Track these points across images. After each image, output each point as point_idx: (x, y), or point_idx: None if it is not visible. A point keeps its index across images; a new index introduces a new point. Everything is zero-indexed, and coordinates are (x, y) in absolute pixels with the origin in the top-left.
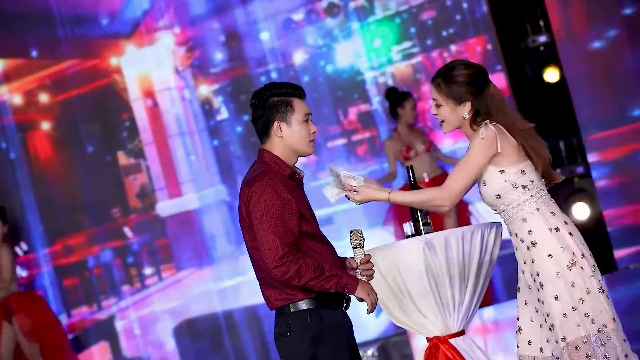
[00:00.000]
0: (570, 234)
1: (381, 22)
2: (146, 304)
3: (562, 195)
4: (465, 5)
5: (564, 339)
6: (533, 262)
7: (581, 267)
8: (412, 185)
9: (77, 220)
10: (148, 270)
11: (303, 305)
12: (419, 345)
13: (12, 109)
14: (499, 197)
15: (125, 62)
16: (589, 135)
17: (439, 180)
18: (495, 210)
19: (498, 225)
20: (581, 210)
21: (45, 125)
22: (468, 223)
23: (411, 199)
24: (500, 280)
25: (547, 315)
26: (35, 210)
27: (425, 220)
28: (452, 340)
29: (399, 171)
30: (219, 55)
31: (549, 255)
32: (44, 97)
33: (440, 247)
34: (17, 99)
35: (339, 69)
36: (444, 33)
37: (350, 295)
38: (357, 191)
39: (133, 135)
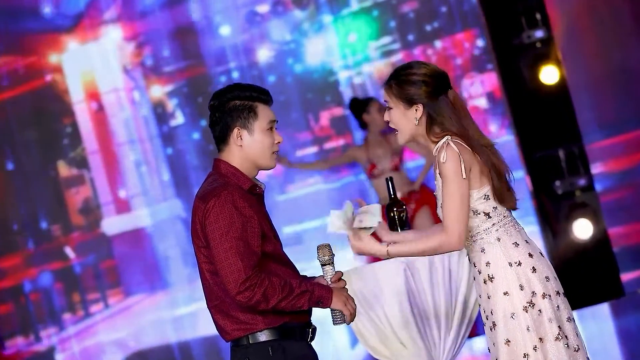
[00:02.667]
0: (533, 269)
1: (357, 14)
2: (91, 334)
3: (562, 210)
4: None
5: None
6: (488, 298)
7: (539, 310)
8: (392, 198)
9: (11, 239)
10: (93, 296)
11: (263, 336)
12: None
13: None
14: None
15: (66, 59)
16: (592, 143)
17: (416, 196)
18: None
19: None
20: (583, 228)
21: None
22: None
23: (416, 249)
24: None
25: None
26: None
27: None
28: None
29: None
30: (172, 53)
31: (505, 293)
32: None
33: (424, 268)
34: None
35: (309, 67)
36: (428, 27)
37: (316, 326)
38: (359, 237)
39: (75, 142)
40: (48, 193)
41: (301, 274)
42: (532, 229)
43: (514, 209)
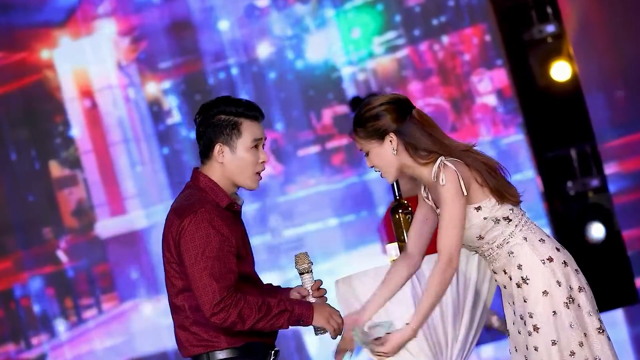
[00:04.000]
0: (564, 263)
1: (361, 8)
2: (84, 341)
3: (575, 212)
4: None
5: None
6: (525, 301)
7: (578, 305)
8: (397, 200)
9: (1, 242)
10: (86, 302)
11: (222, 355)
12: None
13: None
14: (481, 238)
15: (58, 55)
16: (606, 142)
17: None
18: (476, 251)
19: None
20: (596, 231)
21: None
22: None
23: (431, 301)
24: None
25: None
26: None
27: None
28: None
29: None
30: (169, 48)
31: (544, 292)
32: None
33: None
34: None
35: (311, 64)
36: (435, 22)
37: (279, 349)
38: (383, 342)
39: (68, 142)
40: (39, 194)
41: (275, 284)
42: None
43: (519, 202)
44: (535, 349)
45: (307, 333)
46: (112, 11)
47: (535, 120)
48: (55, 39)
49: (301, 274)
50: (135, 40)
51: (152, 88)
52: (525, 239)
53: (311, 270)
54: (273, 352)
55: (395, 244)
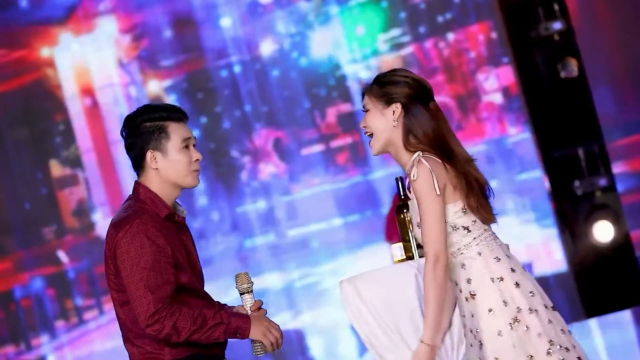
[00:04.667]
0: (516, 284)
1: (365, 5)
2: (85, 342)
3: (582, 212)
4: None
5: None
6: (472, 316)
7: (526, 327)
8: (402, 199)
9: (1, 242)
10: (87, 303)
11: None
12: None
13: None
14: None
15: (58, 53)
16: (614, 141)
17: None
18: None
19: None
20: (604, 231)
21: None
22: None
23: (432, 305)
24: None
25: None
26: None
27: (419, 242)
28: None
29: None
30: (171, 46)
31: (490, 310)
32: None
33: None
34: None
35: (315, 61)
36: (440, 19)
37: (227, 359)
38: None
39: (68, 140)
40: (39, 194)
41: (222, 302)
42: (550, 232)
43: (493, 222)
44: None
45: (310, 334)
46: (113, 8)
47: (542, 119)
48: (56, 37)
49: (241, 293)
50: (137, 37)
51: (154, 86)
52: (480, 253)
53: (251, 290)
54: None
55: (400, 244)
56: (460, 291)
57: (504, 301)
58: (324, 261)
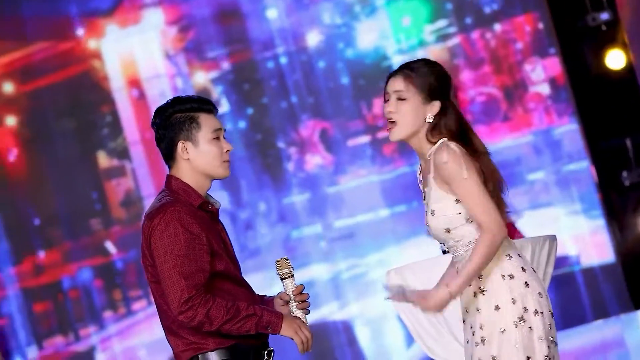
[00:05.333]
0: (526, 283)
1: None
2: (133, 333)
3: (630, 203)
4: None
5: None
6: (478, 311)
7: (529, 327)
8: None
9: (49, 233)
10: (135, 293)
11: (214, 356)
12: None
13: None
14: (448, 232)
15: (105, 45)
16: None
17: None
18: (443, 244)
19: (552, 239)
20: None
21: (11, 121)
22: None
23: (472, 268)
24: (555, 305)
25: None
26: None
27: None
28: None
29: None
30: (217, 37)
31: (496, 307)
32: (8, 87)
33: None
34: None
35: (361, 52)
36: (487, 10)
37: (273, 348)
38: (424, 296)
39: (116, 132)
40: (87, 185)
41: (268, 294)
42: (598, 223)
43: (506, 221)
44: None
45: (357, 325)
46: (160, 0)
47: (589, 109)
48: (103, 28)
49: (282, 279)
50: (183, 29)
51: (200, 77)
52: None
53: (292, 275)
54: (266, 352)
55: None
56: (469, 285)
57: (512, 299)
58: (370, 252)
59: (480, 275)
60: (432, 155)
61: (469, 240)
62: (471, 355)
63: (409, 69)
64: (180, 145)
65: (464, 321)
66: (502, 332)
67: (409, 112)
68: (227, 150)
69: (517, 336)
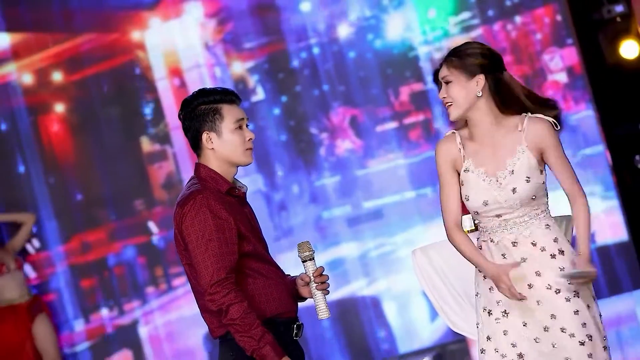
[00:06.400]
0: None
1: None
2: (174, 307)
3: None
4: None
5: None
6: (561, 269)
7: None
8: None
9: (95, 214)
10: (175, 270)
11: None
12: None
13: (22, 90)
14: (534, 199)
15: (149, 36)
16: None
17: None
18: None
19: (569, 219)
20: None
21: (59, 108)
22: None
23: (584, 227)
24: None
25: (583, 324)
26: (48, 203)
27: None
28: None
29: None
30: (253, 29)
31: (572, 262)
32: (57, 76)
33: None
34: (28, 78)
35: (389, 43)
36: (508, 2)
37: (302, 323)
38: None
39: (158, 118)
40: (131, 168)
41: (287, 273)
42: (612, 204)
43: None
44: (576, 313)
45: (385, 300)
46: None
47: (605, 97)
48: (146, 21)
49: (304, 261)
50: (222, 22)
51: (238, 67)
52: (553, 218)
53: (313, 258)
54: (296, 325)
55: (470, 215)
56: (543, 249)
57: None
58: (397, 231)
59: (557, 239)
60: (526, 125)
61: (543, 209)
62: (550, 314)
63: (450, 55)
64: (205, 135)
65: (529, 286)
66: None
67: (458, 92)
68: (250, 139)
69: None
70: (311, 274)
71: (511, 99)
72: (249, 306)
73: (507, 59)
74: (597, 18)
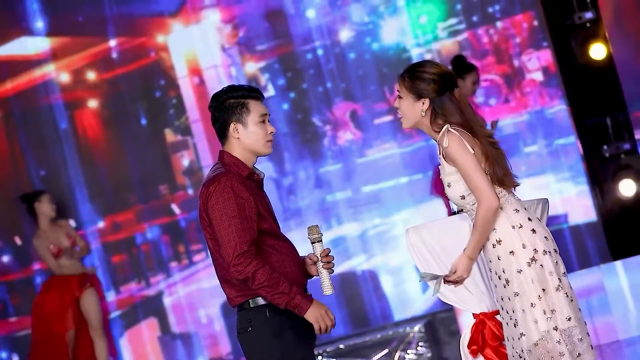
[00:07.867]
0: (533, 230)
1: None
2: (194, 280)
3: (609, 171)
4: None
5: (522, 334)
6: (499, 259)
7: (541, 265)
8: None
9: (125, 197)
10: (196, 247)
11: (262, 300)
12: (466, 322)
13: (60, 87)
14: (463, 198)
15: (171, 40)
16: (636, 111)
17: None
18: (462, 210)
19: (545, 201)
20: (627, 187)
21: (93, 103)
22: None
23: (479, 235)
24: None
25: (513, 312)
26: (84, 188)
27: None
28: (498, 317)
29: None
30: (265, 33)
31: (511, 252)
32: (91, 75)
33: None
34: (65, 77)
35: (385, 45)
36: (490, 9)
37: (311, 294)
38: (454, 271)
39: (180, 112)
40: (156, 157)
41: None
42: (583, 188)
43: (516, 185)
44: (508, 299)
45: (381, 274)
46: (217, 2)
47: (576, 93)
48: (169, 26)
49: (312, 242)
50: (236, 26)
51: (251, 67)
52: (501, 208)
53: (321, 240)
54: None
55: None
56: (487, 239)
57: (522, 244)
58: (393, 213)
59: (495, 229)
60: (440, 141)
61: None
62: (501, 296)
63: (405, 73)
64: (232, 126)
65: (490, 270)
66: (519, 272)
67: (405, 108)
68: (271, 132)
69: (532, 273)
70: (319, 254)
71: (452, 116)
72: (271, 268)
73: (489, 59)
74: (569, 23)
